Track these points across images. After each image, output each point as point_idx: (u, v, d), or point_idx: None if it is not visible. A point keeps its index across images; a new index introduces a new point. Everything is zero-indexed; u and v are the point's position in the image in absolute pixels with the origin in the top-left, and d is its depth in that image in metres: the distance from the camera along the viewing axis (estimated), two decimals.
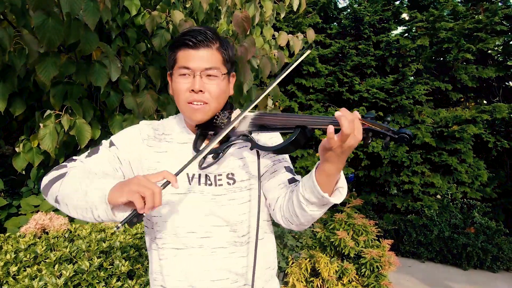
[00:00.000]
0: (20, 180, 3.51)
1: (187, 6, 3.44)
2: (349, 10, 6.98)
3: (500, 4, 6.27)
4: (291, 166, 1.13)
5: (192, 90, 1.00)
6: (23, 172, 2.76)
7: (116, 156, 1.06)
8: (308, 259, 3.01)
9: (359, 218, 3.05)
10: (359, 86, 6.11)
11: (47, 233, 2.46)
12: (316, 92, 6.45)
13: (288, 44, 3.51)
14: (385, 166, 6.04)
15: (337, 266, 2.88)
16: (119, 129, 2.35)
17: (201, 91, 1.01)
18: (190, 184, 1.05)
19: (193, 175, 1.05)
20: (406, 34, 6.78)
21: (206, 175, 1.05)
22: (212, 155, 1.02)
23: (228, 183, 1.06)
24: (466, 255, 5.23)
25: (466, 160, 5.96)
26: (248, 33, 2.51)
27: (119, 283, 1.94)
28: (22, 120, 3.00)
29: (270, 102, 3.53)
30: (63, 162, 1.08)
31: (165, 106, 2.47)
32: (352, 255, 2.98)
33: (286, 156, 1.13)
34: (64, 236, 2.38)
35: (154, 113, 2.27)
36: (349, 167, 6.20)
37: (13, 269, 1.87)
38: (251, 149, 0.99)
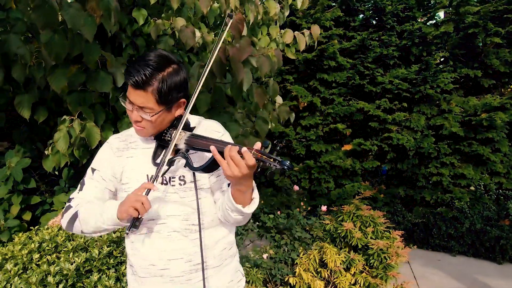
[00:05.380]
0: (55, 180, 3.87)
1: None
2: (372, 1, 6.85)
3: None
4: None
5: None
6: (56, 173, 3.11)
7: (101, 178, 1.29)
8: (317, 250, 3.08)
9: (366, 209, 3.07)
10: (382, 78, 5.99)
11: None
12: (339, 86, 6.41)
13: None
14: (412, 158, 5.89)
15: (344, 257, 2.93)
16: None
17: (137, 121, 1.21)
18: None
19: (151, 176, 1.24)
20: (431, 22, 6.53)
21: (163, 177, 1.25)
22: (169, 164, 1.22)
23: (180, 184, 1.24)
24: (500, 248, 5.00)
25: (501, 149, 5.67)
26: (243, 33, 2.63)
27: None
28: (52, 125, 3.34)
29: (279, 99, 3.61)
30: (68, 200, 1.32)
31: None
32: (360, 246, 3.01)
33: None
34: None
35: None
36: (375, 160, 6.11)
37: (36, 256, 2.13)
38: (184, 166, 1.18)
